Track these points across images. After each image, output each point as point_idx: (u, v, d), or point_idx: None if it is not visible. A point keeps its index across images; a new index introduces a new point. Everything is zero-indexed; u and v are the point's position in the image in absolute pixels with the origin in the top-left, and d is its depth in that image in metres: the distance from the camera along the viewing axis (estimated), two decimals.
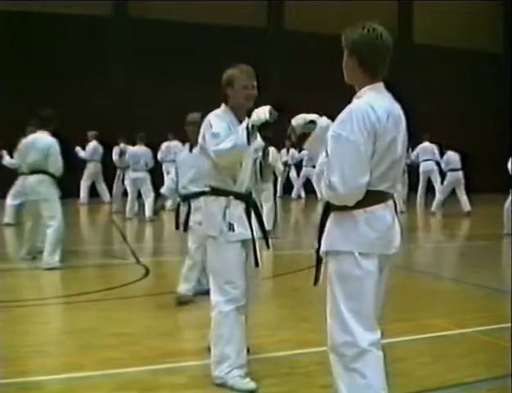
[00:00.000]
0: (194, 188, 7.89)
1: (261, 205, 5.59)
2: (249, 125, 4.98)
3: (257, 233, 5.37)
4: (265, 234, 5.48)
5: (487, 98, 28.73)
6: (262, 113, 4.96)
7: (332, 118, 3.92)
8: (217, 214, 5.25)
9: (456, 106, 27.60)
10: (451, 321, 7.24)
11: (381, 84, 3.85)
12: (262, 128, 4.99)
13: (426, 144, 20.84)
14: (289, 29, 26.39)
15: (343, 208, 3.73)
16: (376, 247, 3.77)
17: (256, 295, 5.60)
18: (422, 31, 28.34)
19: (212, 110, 5.39)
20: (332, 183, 3.63)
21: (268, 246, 5.53)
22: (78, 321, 7.21)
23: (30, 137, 10.61)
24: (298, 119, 4.24)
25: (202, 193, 5.92)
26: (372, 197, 3.72)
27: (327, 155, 3.70)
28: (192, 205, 7.91)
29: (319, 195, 4.03)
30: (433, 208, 19.87)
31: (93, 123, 20.57)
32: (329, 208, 3.86)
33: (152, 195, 17.18)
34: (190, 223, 7.97)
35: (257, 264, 5.40)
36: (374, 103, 3.69)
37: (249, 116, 5.15)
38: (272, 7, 26.68)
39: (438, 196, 19.97)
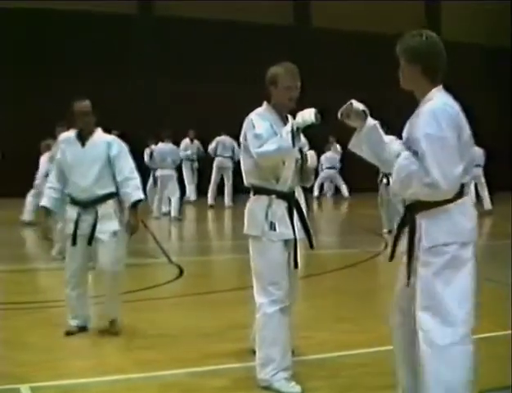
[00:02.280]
0: None
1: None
2: (294, 127, 4.90)
3: (299, 233, 5.28)
4: (308, 234, 5.38)
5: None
6: (308, 115, 4.89)
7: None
8: (259, 214, 5.18)
9: (478, 101, 27.37)
10: (492, 321, 7.07)
11: (441, 86, 4.09)
12: (306, 130, 4.96)
13: None
14: (315, 27, 26.25)
15: (436, 204, 3.95)
16: (473, 236, 4.05)
17: (294, 296, 5.48)
18: (450, 29, 28.09)
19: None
20: (433, 181, 3.81)
21: (312, 246, 5.44)
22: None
23: None
24: (359, 104, 4.32)
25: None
26: (460, 190, 3.96)
27: (416, 157, 3.90)
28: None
29: (404, 196, 3.95)
30: None
31: (118, 122, 20.57)
32: (414, 208, 4.07)
33: (178, 193, 17.14)
34: None
35: (296, 265, 5.32)
36: (447, 101, 3.98)
37: (292, 116, 5.11)
38: (298, 4, 26.57)
39: None
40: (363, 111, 4.28)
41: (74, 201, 6.60)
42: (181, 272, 9.91)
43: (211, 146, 20.49)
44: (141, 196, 6.60)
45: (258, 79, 20.74)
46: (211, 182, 20.30)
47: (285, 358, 5.15)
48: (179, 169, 18.61)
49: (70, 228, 6.56)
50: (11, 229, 15.13)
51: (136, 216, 6.59)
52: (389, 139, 4.26)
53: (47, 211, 6.72)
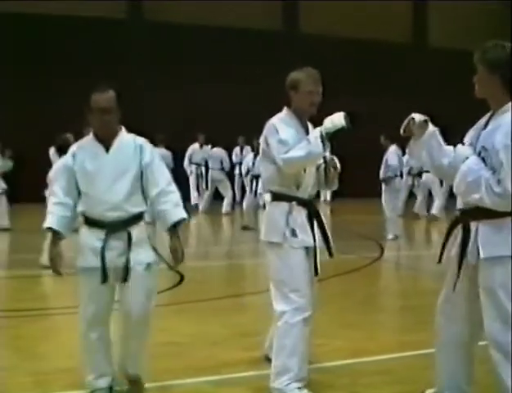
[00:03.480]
0: None
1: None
2: (324, 133, 4.84)
3: (319, 241, 5.21)
4: (327, 242, 5.31)
5: None
6: (338, 120, 4.83)
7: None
8: (280, 220, 5.09)
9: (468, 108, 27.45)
10: None
11: None
12: (336, 135, 4.89)
13: None
14: (303, 32, 26.24)
15: (499, 214, 3.99)
16: None
17: (314, 304, 5.41)
18: (437, 33, 28.19)
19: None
20: (505, 192, 3.87)
21: (331, 254, 5.37)
22: (118, 330, 7.03)
23: None
24: (421, 116, 4.33)
25: None
26: None
27: (484, 164, 4.00)
28: None
29: (464, 199, 3.96)
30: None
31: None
32: (471, 214, 4.13)
33: None
34: None
35: (316, 272, 5.25)
36: None
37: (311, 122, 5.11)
38: (287, 10, 26.54)
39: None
40: (425, 121, 4.31)
41: (96, 223, 4.94)
42: (181, 278, 9.80)
43: (204, 157, 20.61)
44: (185, 214, 5.10)
45: (249, 82, 20.80)
46: (207, 192, 20.42)
47: (302, 369, 5.07)
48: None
49: (91, 260, 4.89)
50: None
51: (179, 241, 5.11)
52: (448, 148, 4.31)
53: (54, 235, 4.98)
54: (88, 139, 5.09)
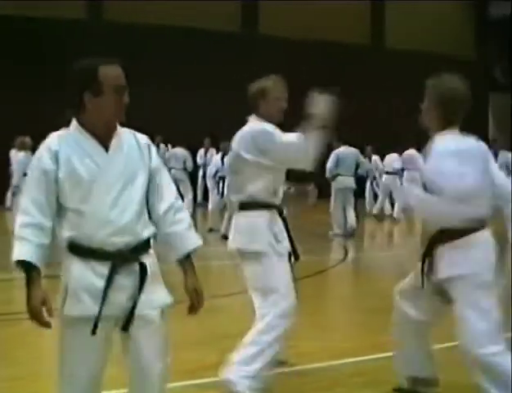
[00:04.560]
0: None
1: None
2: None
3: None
4: (293, 246, 5.40)
5: None
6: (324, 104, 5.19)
7: None
8: (263, 228, 5.15)
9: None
10: None
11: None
12: None
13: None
14: (263, 33, 26.32)
15: (458, 235, 4.46)
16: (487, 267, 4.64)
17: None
18: (395, 35, 28.46)
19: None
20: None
21: (297, 258, 5.46)
22: None
23: None
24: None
25: None
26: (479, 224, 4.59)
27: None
28: None
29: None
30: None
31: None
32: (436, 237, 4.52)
33: None
34: None
35: (294, 278, 5.37)
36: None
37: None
38: (246, 11, 26.60)
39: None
40: None
41: (94, 254, 3.50)
42: None
43: (166, 157, 20.48)
44: (200, 240, 3.95)
45: (210, 84, 20.72)
46: None
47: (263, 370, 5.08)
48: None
49: (88, 306, 3.48)
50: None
51: (196, 275, 3.95)
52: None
53: (30, 272, 3.42)
54: (74, 132, 3.55)
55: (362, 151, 18.48)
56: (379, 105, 26.57)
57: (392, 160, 19.62)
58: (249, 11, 26.56)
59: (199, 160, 21.15)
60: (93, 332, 3.43)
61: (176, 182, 19.90)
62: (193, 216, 19.51)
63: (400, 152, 19.30)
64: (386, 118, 26.46)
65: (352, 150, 16.18)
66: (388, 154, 19.84)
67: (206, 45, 24.55)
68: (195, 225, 15.49)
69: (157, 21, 24.03)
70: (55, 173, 3.46)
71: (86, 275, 3.48)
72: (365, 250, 14.51)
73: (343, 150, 15.84)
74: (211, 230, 15.54)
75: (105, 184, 3.49)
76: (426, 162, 4.44)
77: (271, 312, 5.07)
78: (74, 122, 3.55)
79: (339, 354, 6.29)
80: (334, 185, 15.82)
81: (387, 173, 19.69)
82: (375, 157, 20.98)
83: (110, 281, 3.47)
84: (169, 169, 19.92)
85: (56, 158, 3.47)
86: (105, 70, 3.47)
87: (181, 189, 20.08)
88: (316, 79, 25.29)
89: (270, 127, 5.14)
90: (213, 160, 16.60)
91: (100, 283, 3.47)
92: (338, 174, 15.71)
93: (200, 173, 21.40)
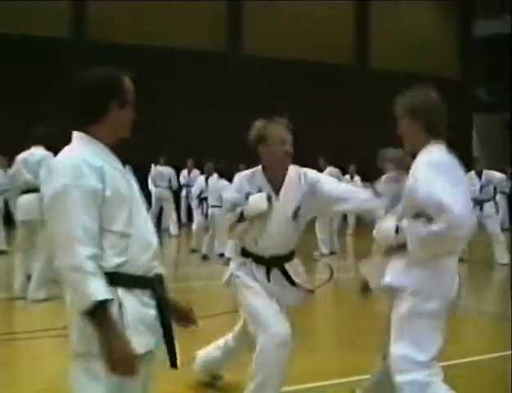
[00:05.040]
0: None
1: None
2: (245, 215, 4.90)
3: None
4: None
5: None
6: (260, 202, 4.88)
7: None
8: None
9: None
10: (458, 348, 7.08)
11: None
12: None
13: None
14: (247, 53, 26.30)
15: None
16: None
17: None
18: (379, 55, 28.58)
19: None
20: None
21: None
22: None
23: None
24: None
25: None
26: None
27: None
28: None
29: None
30: None
31: None
32: None
33: None
34: None
35: None
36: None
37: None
38: (231, 31, 26.58)
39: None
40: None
41: (138, 280, 3.18)
42: None
43: (150, 176, 20.30)
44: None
45: (195, 103, 20.54)
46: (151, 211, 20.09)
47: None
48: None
49: (146, 341, 3.19)
50: None
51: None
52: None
53: (106, 310, 2.93)
54: (94, 146, 3.19)
55: (345, 171, 18.46)
56: (363, 125, 26.63)
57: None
58: (233, 31, 26.55)
59: (182, 180, 21.01)
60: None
61: (160, 200, 19.83)
62: (177, 236, 19.43)
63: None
64: (369, 137, 26.49)
65: (335, 170, 16.21)
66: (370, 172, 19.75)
67: (189, 64, 24.53)
68: (180, 246, 15.46)
69: (141, 41, 23.94)
70: (102, 192, 3.04)
71: (137, 306, 3.11)
72: (350, 270, 14.40)
73: (330, 170, 15.85)
74: (194, 251, 15.34)
75: (139, 204, 3.25)
76: (414, 180, 4.08)
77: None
78: (83, 135, 3.17)
79: (328, 375, 6.18)
80: None
81: None
82: (356, 178, 21.02)
83: (161, 309, 3.22)
84: (154, 188, 19.89)
85: (101, 175, 3.05)
86: (128, 81, 3.29)
87: (165, 208, 19.98)
88: (301, 98, 25.68)
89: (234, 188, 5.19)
90: (198, 180, 16.44)
91: (151, 312, 3.17)
92: None
93: (183, 193, 21.28)
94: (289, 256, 5.22)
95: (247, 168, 5.37)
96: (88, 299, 2.86)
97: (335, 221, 16.64)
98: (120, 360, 2.93)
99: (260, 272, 5.08)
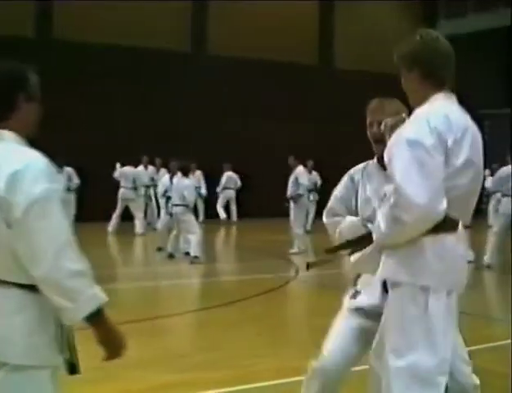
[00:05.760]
0: None
1: None
2: None
3: None
4: None
5: None
6: None
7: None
8: None
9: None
10: None
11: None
12: None
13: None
14: (211, 54, 26.26)
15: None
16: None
17: None
18: (343, 55, 28.70)
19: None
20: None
21: None
22: None
23: None
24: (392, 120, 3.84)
25: None
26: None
27: None
28: None
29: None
30: None
31: None
32: None
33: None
34: None
35: None
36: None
37: None
38: (195, 31, 26.52)
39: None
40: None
41: None
42: None
43: (115, 176, 20.24)
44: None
45: (158, 102, 20.40)
46: (116, 212, 20.03)
47: None
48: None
49: None
50: None
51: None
52: None
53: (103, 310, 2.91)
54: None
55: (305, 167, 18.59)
56: (327, 124, 26.79)
57: None
58: (197, 30, 26.50)
59: (145, 178, 20.95)
60: None
61: (125, 200, 19.76)
62: (143, 235, 19.40)
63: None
64: (333, 136, 26.71)
65: (302, 169, 16.41)
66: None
67: (154, 64, 24.47)
68: (145, 244, 15.41)
69: (106, 40, 23.80)
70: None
71: None
72: (317, 268, 14.47)
73: (300, 169, 16.15)
74: (160, 249, 15.30)
75: None
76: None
77: None
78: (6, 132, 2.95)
79: (294, 371, 6.17)
80: (295, 205, 16.05)
81: None
82: (314, 173, 21.29)
83: None
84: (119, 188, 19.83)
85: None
86: (33, 76, 3.07)
87: (132, 208, 19.92)
88: (267, 98, 25.73)
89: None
90: (162, 179, 16.43)
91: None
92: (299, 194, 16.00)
93: (152, 192, 21.30)
94: None
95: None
96: (98, 301, 2.86)
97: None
98: (123, 345, 3.03)
99: None
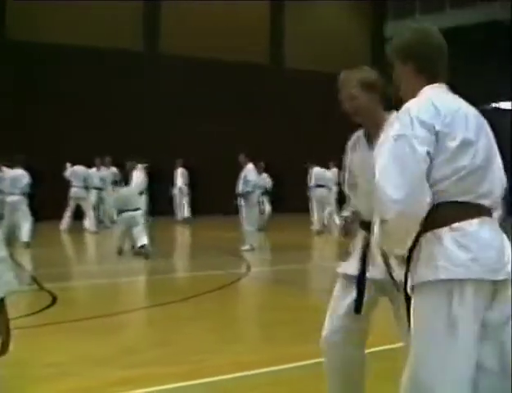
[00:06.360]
0: None
1: None
2: None
3: None
4: None
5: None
6: None
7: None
8: None
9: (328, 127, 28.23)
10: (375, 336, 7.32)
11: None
12: None
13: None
14: (165, 53, 26.25)
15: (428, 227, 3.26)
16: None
17: None
18: (294, 55, 28.85)
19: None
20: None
21: None
22: None
23: None
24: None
25: None
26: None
27: None
28: None
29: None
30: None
31: None
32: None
33: (30, 219, 16.61)
34: None
35: None
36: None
37: None
38: (148, 31, 26.48)
39: None
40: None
41: None
42: (54, 298, 9.63)
43: (66, 175, 20.20)
44: None
45: (114, 102, 20.33)
46: (67, 210, 20.00)
47: None
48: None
49: None
50: None
51: None
52: None
53: None
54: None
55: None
56: (279, 123, 26.99)
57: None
58: (150, 30, 26.46)
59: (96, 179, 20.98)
60: None
61: (76, 199, 19.73)
62: (95, 233, 19.39)
63: None
64: (284, 135, 26.90)
65: (252, 166, 16.55)
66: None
67: (107, 63, 24.42)
68: (98, 242, 15.33)
69: (57, 40, 23.64)
70: None
71: None
72: (268, 264, 14.67)
73: (250, 166, 16.36)
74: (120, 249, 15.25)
75: None
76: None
77: None
78: None
79: (246, 366, 6.31)
80: (245, 202, 16.29)
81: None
82: (265, 175, 21.45)
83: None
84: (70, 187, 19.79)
85: None
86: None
87: (83, 207, 19.92)
88: (219, 98, 25.82)
89: None
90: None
91: None
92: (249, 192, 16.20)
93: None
94: None
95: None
96: (12, 286, 3.01)
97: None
98: (9, 343, 3.18)
99: None
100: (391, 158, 3.07)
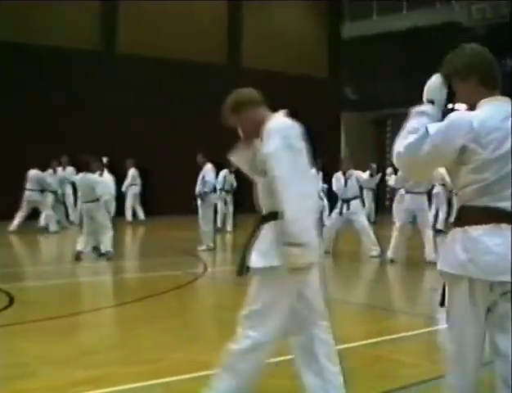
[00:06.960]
0: None
1: None
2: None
3: None
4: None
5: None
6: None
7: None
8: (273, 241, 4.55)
9: None
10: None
11: None
12: None
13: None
14: (121, 53, 26.20)
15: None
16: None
17: None
18: (251, 55, 28.93)
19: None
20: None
21: None
22: None
23: None
24: None
25: None
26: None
27: None
28: None
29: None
30: None
31: None
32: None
33: None
34: None
35: None
36: None
37: None
38: (105, 31, 26.40)
39: None
40: None
41: None
42: (11, 299, 9.64)
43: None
44: None
45: (69, 102, 20.29)
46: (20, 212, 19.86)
47: None
48: None
49: None
50: None
51: None
52: None
53: None
54: None
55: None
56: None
57: None
58: (108, 30, 26.38)
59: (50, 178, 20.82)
60: None
61: (30, 203, 19.58)
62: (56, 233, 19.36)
63: None
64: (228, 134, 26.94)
65: (210, 166, 16.58)
66: None
67: (63, 64, 24.29)
68: (57, 242, 15.19)
69: (19, 40, 23.51)
70: None
71: None
72: (225, 264, 14.80)
73: (208, 166, 16.43)
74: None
75: None
76: None
77: None
78: None
79: (206, 365, 6.39)
80: (202, 203, 16.46)
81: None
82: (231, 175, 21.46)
83: None
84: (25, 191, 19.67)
85: None
86: None
87: (41, 209, 19.85)
88: (174, 98, 25.80)
89: None
90: (72, 177, 16.41)
91: None
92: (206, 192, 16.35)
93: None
94: None
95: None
96: None
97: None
98: None
99: None
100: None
